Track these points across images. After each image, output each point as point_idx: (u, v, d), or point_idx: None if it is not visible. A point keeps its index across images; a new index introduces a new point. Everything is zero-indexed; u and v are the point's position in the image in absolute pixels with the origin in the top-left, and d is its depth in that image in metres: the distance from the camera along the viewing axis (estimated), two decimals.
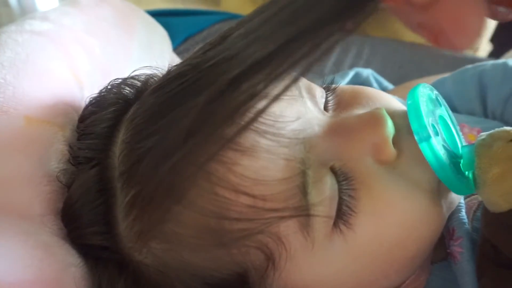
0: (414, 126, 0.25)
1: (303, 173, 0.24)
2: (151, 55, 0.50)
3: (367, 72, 0.51)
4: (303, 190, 0.24)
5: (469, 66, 0.45)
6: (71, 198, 0.27)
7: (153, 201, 0.23)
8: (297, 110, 0.25)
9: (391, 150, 0.25)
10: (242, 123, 0.21)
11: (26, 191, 0.26)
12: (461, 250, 0.28)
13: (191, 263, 0.25)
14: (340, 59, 0.66)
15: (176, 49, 0.61)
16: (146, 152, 0.23)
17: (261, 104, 0.20)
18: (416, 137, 0.25)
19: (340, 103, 0.28)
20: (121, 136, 0.26)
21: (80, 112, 0.33)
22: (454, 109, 0.43)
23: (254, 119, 0.21)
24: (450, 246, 0.29)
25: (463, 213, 0.30)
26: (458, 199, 0.29)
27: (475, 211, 0.31)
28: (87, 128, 0.29)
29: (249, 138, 0.23)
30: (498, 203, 0.24)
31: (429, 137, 0.24)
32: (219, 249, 0.24)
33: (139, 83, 0.31)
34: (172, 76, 0.25)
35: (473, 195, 0.32)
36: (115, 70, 0.42)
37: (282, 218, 0.23)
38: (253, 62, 0.19)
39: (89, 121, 0.29)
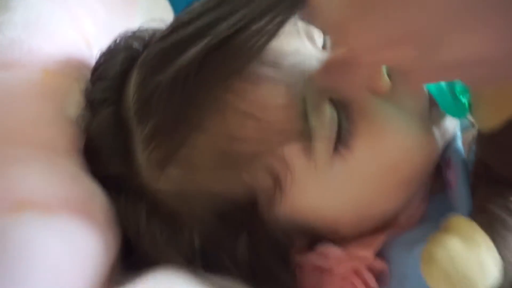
0: None
1: (303, 100, 0.26)
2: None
3: None
4: (304, 115, 0.26)
5: None
6: (91, 135, 0.29)
7: (168, 130, 0.26)
8: (296, 46, 0.28)
9: (384, 81, 0.27)
10: (247, 55, 0.24)
11: (52, 130, 0.28)
12: (456, 176, 0.30)
13: (205, 186, 0.27)
14: None
15: None
16: (158, 88, 0.26)
17: (262, 39, 0.24)
18: None
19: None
20: (133, 79, 0.29)
21: (91, 68, 0.35)
22: None
23: (258, 50, 0.24)
24: (447, 175, 0.31)
25: (459, 143, 0.31)
26: (452, 128, 0.31)
27: (470, 145, 0.33)
28: (100, 74, 0.32)
29: (254, 69, 0.25)
30: (491, 121, 0.25)
31: None
32: (230, 171, 0.26)
33: (146, 36, 0.33)
34: (180, 23, 0.28)
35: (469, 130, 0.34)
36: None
37: (286, 140, 0.26)
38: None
39: (102, 68, 0.32)
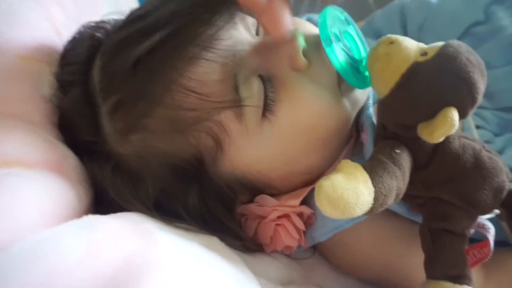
0: (321, 36, 0.33)
1: (235, 76, 0.33)
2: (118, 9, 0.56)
3: (316, 18, 0.59)
4: (236, 88, 0.33)
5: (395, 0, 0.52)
6: (64, 110, 0.35)
7: (129, 103, 0.32)
8: (231, 33, 0.34)
9: (301, 58, 0.34)
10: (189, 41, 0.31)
11: (28, 106, 0.33)
12: (367, 137, 0.37)
13: (160, 148, 0.33)
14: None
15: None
16: (118, 71, 0.32)
17: (201, 28, 0.31)
18: (322, 44, 0.32)
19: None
20: (97, 63, 0.35)
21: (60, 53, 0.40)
22: None
23: (196, 36, 0.31)
24: (361, 136, 0.38)
25: (370, 110, 0.38)
26: (362, 98, 0.38)
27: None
28: (69, 60, 0.37)
29: (194, 51, 0.32)
30: (381, 89, 0.32)
31: (331, 43, 0.32)
32: (180, 135, 0.33)
33: (108, 26, 0.39)
34: (135, 17, 0.35)
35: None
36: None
37: (221, 108, 0.32)
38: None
39: (70, 54, 0.38)
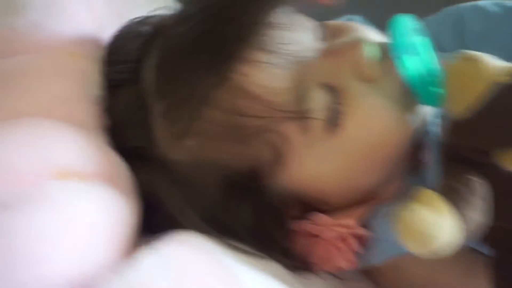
0: (393, 45, 0.31)
1: (301, 85, 0.31)
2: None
3: (357, 19, 0.56)
4: (302, 98, 0.31)
5: (450, 6, 0.49)
6: (114, 113, 0.33)
7: (184, 106, 0.30)
8: (295, 37, 0.32)
9: (369, 67, 0.32)
10: (254, 44, 0.28)
11: (81, 108, 0.32)
12: (430, 157, 0.34)
13: (215, 156, 0.31)
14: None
15: None
16: (175, 70, 0.30)
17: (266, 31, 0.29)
18: (394, 54, 0.30)
19: (330, 34, 0.34)
20: (151, 61, 0.32)
21: (103, 48, 0.38)
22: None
23: (263, 39, 0.28)
24: (423, 156, 0.36)
25: (435, 128, 0.36)
26: (428, 114, 0.35)
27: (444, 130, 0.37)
28: (118, 58, 0.35)
29: (260, 55, 0.29)
30: (457, 109, 0.29)
31: (403, 53, 0.30)
32: (237, 144, 0.31)
33: (155, 22, 0.37)
34: (189, 14, 0.32)
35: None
36: (128, 14, 0.47)
37: (287, 118, 0.30)
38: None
39: (118, 52, 0.36)
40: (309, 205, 0.35)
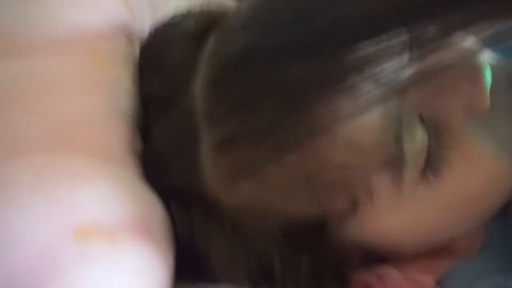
0: None
1: (399, 123, 0.23)
2: None
3: None
4: (399, 141, 0.23)
5: None
6: (153, 143, 0.27)
7: (251, 142, 0.23)
8: (392, 55, 0.23)
9: (487, 102, 0.25)
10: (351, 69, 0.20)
11: (106, 131, 0.25)
12: None
13: (278, 205, 0.25)
14: None
15: None
16: (239, 91, 0.23)
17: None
18: None
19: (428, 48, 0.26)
20: (201, 74, 0.25)
21: (136, 45, 0.31)
22: None
23: (362, 63, 0.20)
24: None
25: None
26: None
27: None
28: (157, 64, 0.28)
29: (356, 84, 0.21)
30: None
31: None
32: (310, 195, 0.24)
33: (205, 19, 0.29)
34: (264, 15, 0.24)
35: None
36: (163, 3, 0.39)
37: (377, 169, 0.23)
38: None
39: (158, 55, 0.28)
40: (376, 256, 0.29)
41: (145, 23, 0.34)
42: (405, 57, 0.22)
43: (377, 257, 0.29)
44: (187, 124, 0.25)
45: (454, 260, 0.29)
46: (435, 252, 0.29)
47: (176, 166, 0.26)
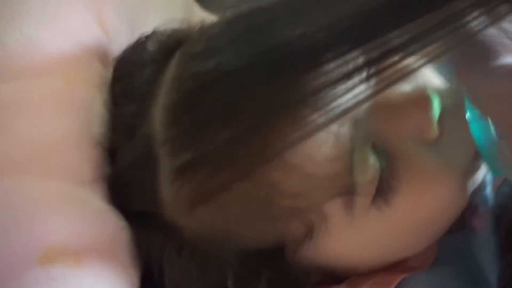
0: (467, 106, 0.25)
1: (351, 152, 0.24)
2: (173, 7, 0.48)
3: None
4: (350, 170, 0.24)
5: None
6: (117, 168, 0.27)
7: (207, 169, 0.23)
8: (347, 83, 0.25)
9: (434, 131, 0.26)
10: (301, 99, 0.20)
11: (77, 155, 0.26)
12: (483, 224, 0.30)
13: (235, 231, 0.26)
14: None
15: None
16: (194, 116, 0.23)
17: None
18: (468, 117, 0.24)
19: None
20: (161, 99, 0.26)
21: (111, 69, 0.32)
22: None
23: (326, 101, 0.20)
24: (471, 220, 0.31)
25: (488, 190, 0.31)
26: (480, 178, 0.30)
27: (500, 186, 0.32)
28: (123, 91, 0.29)
29: (307, 113, 0.21)
30: None
31: (480, 117, 0.24)
32: (266, 222, 0.25)
33: (170, 42, 0.30)
34: (222, 43, 0.24)
35: None
36: (140, 21, 0.40)
37: (329, 197, 0.24)
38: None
39: (124, 84, 0.29)
40: (332, 274, 0.30)
41: (122, 44, 0.35)
42: (357, 84, 0.24)
43: (334, 276, 0.31)
44: (147, 149, 0.26)
45: (408, 273, 0.30)
46: (389, 267, 0.30)
47: (138, 190, 0.27)
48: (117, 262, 0.24)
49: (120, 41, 0.36)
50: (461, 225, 0.32)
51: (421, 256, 0.32)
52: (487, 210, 0.30)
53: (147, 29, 0.37)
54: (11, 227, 0.21)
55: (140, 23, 0.40)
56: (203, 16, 0.59)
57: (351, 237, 0.27)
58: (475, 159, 0.27)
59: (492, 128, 0.25)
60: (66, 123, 0.27)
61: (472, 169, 0.28)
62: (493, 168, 0.26)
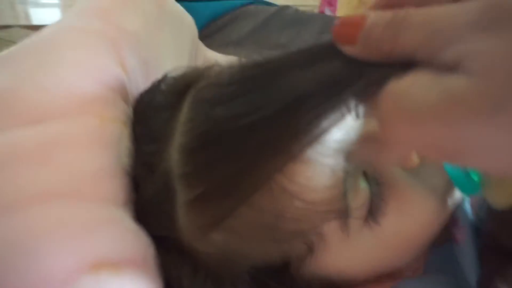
0: None
1: (345, 181, 0.28)
2: (181, 46, 0.52)
3: None
4: (345, 195, 0.28)
5: None
6: (141, 198, 0.31)
7: (215, 200, 0.27)
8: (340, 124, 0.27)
9: (415, 160, 0.30)
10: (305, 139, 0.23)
11: (113, 182, 0.30)
12: (464, 237, 0.34)
13: (245, 252, 0.29)
14: None
15: (200, 33, 0.64)
16: (205, 155, 0.27)
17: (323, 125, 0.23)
18: None
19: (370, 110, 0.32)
20: (177, 140, 0.29)
21: (131, 106, 0.37)
22: None
23: (317, 138, 0.23)
24: (454, 232, 0.35)
25: (467, 205, 0.35)
26: (461, 196, 0.34)
27: (479, 201, 0.36)
28: (144, 132, 0.33)
29: (303, 149, 0.25)
30: (501, 202, 0.28)
31: None
32: (272, 243, 0.29)
33: (180, 83, 0.34)
34: (229, 91, 0.27)
35: None
36: (153, 61, 0.45)
37: (327, 219, 0.28)
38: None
39: (144, 126, 0.34)
40: (331, 284, 0.34)
41: (139, 84, 0.40)
42: (346, 126, 0.28)
43: (334, 286, 0.34)
44: (165, 183, 0.29)
45: (398, 281, 0.34)
46: (382, 277, 0.34)
47: (158, 218, 0.30)
48: (148, 273, 0.27)
49: (137, 80, 0.40)
50: (447, 237, 0.36)
51: (412, 266, 0.36)
52: (466, 223, 0.34)
53: (160, 69, 0.42)
54: (66, 240, 0.25)
55: (153, 63, 0.44)
56: (208, 55, 0.64)
57: (347, 253, 0.31)
58: (449, 182, 0.32)
59: None
60: (102, 155, 0.30)
61: (449, 189, 0.32)
62: (464, 190, 0.31)
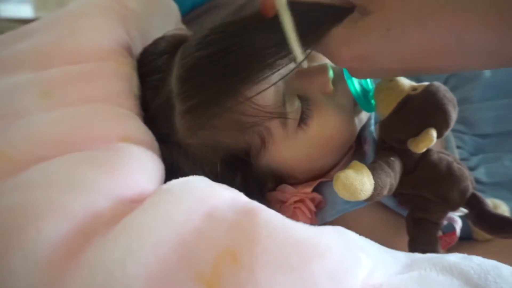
0: (344, 71, 0.44)
1: (284, 95, 0.43)
2: (168, 28, 0.67)
3: None
4: (283, 104, 0.43)
5: None
6: (150, 109, 0.47)
7: (203, 107, 0.42)
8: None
9: (330, 86, 0.45)
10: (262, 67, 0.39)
11: (130, 101, 0.45)
12: (368, 147, 0.48)
13: (221, 141, 0.44)
14: None
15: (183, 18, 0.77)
16: (196, 81, 0.42)
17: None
18: (345, 76, 0.44)
19: (308, 58, 0.47)
20: (174, 71, 0.44)
21: (134, 59, 0.52)
22: None
23: (268, 67, 0.38)
24: (363, 147, 0.49)
25: (372, 128, 0.49)
26: (366, 118, 0.50)
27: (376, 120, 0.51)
28: (150, 68, 0.48)
29: (264, 74, 0.39)
30: (383, 112, 0.43)
31: (351, 77, 0.44)
32: (238, 133, 0.43)
33: (174, 40, 0.49)
34: (209, 39, 0.42)
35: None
36: (147, 34, 0.59)
37: (272, 117, 0.43)
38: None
39: (150, 65, 0.49)
40: (281, 179, 0.48)
41: (137, 46, 0.55)
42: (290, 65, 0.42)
43: (281, 181, 0.49)
44: (168, 99, 0.45)
45: (328, 179, 0.49)
46: (319, 177, 0.49)
47: (162, 122, 0.45)
48: (155, 152, 0.42)
49: (137, 46, 0.55)
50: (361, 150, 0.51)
51: (337, 170, 0.50)
52: (370, 138, 0.48)
53: (151, 39, 0.56)
54: (107, 121, 0.41)
55: (147, 37, 0.59)
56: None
57: (288, 148, 0.45)
58: (356, 105, 0.47)
59: (357, 82, 0.45)
60: (121, 84, 0.45)
61: (356, 111, 0.48)
62: (364, 108, 0.45)
